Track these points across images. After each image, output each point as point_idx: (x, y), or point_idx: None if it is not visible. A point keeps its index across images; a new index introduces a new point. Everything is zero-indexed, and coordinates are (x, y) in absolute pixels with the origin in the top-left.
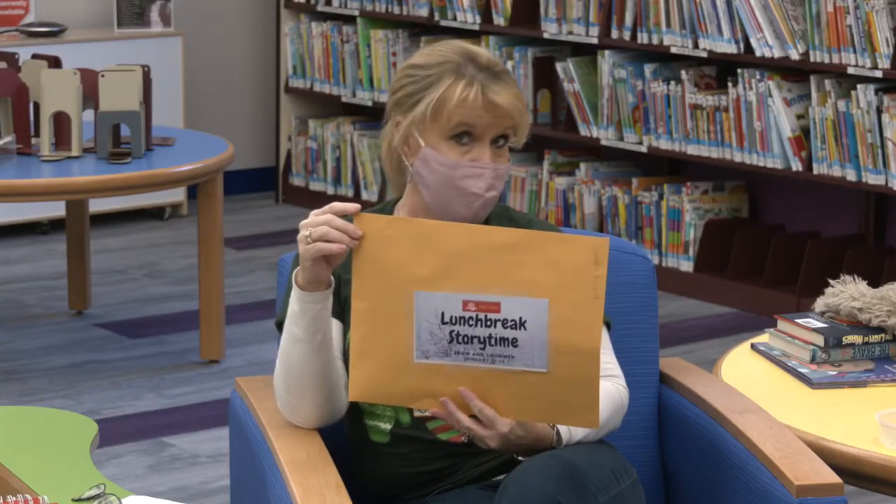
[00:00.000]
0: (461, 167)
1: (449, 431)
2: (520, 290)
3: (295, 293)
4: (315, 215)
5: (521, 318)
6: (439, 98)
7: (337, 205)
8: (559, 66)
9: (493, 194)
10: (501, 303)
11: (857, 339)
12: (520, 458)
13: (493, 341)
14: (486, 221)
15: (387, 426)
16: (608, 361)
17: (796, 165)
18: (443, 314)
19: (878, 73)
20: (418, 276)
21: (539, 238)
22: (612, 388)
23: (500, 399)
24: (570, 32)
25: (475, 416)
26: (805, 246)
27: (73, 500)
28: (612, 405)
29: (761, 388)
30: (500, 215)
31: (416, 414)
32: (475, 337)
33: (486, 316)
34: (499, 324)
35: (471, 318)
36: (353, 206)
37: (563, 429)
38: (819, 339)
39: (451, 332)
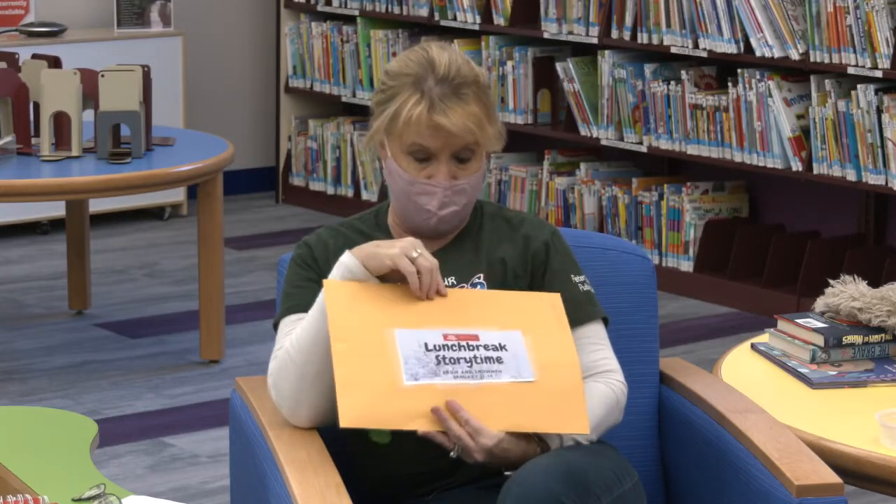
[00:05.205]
0: (417, 184)
1: None
2: (493, 326)
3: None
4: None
5: (500, 343)
6: (392, 115)
7: (435, 274)
8: (559, 66)
9: (449, 211)
10: (479, 335)
11: (857, 339)
12: (506, 472)
13: (478, 360)
14: (481, 220)
15: None
16: (605, 357)
17: (796, 165)
18: (426, 344)
19: (878, 73)
20: (395, 318)
21: (499, 296)
22: (604, 387)
23: (493, 411)
24: (570, 32)
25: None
26: (805, 246)
27: (73, 500)
28: (606, 404)
29: (761, 388)
30: (494, 215)
31: None
32: (461, 358)
33: (467, 343)
34: (481, 348)
35: (453, 345)
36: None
37: (552, 442)
38: (819, 339)
39: (437, 356)
